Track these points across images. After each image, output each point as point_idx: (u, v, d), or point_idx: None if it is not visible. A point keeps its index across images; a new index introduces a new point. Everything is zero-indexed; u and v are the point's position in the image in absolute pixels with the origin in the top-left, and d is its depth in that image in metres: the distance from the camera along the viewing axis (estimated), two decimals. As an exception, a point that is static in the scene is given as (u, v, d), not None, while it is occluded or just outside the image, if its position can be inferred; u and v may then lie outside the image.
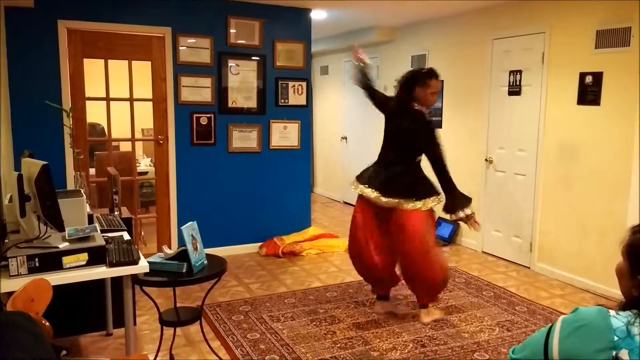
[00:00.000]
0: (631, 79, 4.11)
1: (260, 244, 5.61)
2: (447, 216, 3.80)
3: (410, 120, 3.74)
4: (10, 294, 2.01)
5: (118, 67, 5.00)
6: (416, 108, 3.73)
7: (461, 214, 3.68)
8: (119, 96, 5.07)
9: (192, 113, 5.19)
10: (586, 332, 1.22)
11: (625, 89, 4.17)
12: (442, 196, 3.76)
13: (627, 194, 4.19)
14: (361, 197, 3.86)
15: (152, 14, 4.94)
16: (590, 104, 4.44)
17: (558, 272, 4.82)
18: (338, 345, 3.45)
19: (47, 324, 2.03)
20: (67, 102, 4.63)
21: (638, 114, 4.09)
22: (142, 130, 6.69)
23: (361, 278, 4.20)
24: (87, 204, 3.16)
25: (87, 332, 3.58)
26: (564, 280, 4.74)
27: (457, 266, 5.19)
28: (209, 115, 5.25)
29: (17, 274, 2.22)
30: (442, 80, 6.09)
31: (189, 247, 2.80)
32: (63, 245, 2.36)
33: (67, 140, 4.47)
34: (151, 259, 2.78)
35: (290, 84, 5.61)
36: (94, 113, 5.41)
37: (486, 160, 5.57)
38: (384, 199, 3.70)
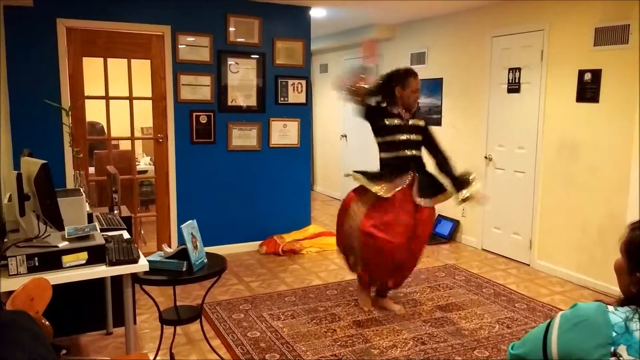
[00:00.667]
0: (630, 76, 4.11)
1: (260, 242, 5.62)
2: (458, 196, 3.78)
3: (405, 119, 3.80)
4: (10, 293, 2.01)
5: (117, 65, 5.00)
6: (396, 112, 3.76)
7: (472, 189, 3.74)
8: (118, 95, 5.07)
9: (192, 111, 5.19)
10: (585, 327, 1.23)
11: (624, 86, 4.17)
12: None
13: (626, 190, 4.19)
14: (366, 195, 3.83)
15: (152, 12, 4.94)
16: (589, 101, 4.44)
17: (558, 269, 4.82)
18: (338, 343, 3.45)
19: (47, 323, 2.03)
20: (66, 101, 4.63)
21: (637, 111, 4.10)
22: (142, 128, 6.68)
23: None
24: (87, 203, 3.16)
25: (87, 331, 3.59)
26: (564, 277, 4.75)
27: (457, 263, 5.19)
28: (208, 114, 5.25)
29: (16, 273, 2.22)
30: (441, 78, 6.10)
31: (189, 245, 2.80)
32: (63, 245, 2.36)
33: (67, 139, 4.47)
34: (151, 258, 2.78)
35: (290, 82, 5.61)
36: (94, 112, 5.41)
37: (486, 157, 5.57)
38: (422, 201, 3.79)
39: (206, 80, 5.21)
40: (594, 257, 4.46)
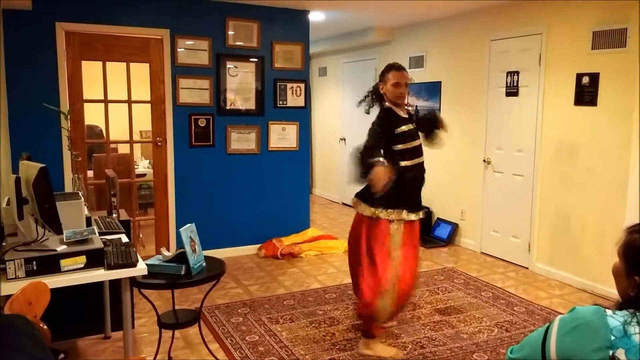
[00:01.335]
0: (628, 80, 4.12)
1: (259, 245, 5.61)
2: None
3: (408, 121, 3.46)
4: (8, 297, 2.00)
5: (116, 69, 5.00)
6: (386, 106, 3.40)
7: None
8: (117, 98, 5.07)
9: (191, 115, 5.19)
10: (583, 331, 1.23)
11: (622, 89, 4.18)
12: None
13: (624, 193, 4.20)
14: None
15: (150, 15, 4.95)
16: (587, 104, 4.45)
17: (556, 272, 4.83)
18: (337, 347, 3.45)
19: (45, 327, 2.03)
20: (65, 105, 4.63)
21: (635, 114, 4.10)
22: (141, 132, 6.69)
23: None
24: (85, 207, 3.15)
25: (86, 335, 3.58)
26: (562, 280, 4.75)
27: (456, 267, 5.19)
28: (207, 117, 5.25)
29: (14, 277, 2.21)
30: (440, 81, 6.10)
31: (188, 249, 2.80)
32: (61, 248, 2.35)
33: (65, 142, 4.47)
34: (149, 261, 2.78)
35: (289, 85, 5.62)
36: (92, 115, 5.41)
37: (484, 161, 5.58)
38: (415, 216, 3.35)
39: (205, 83, 5.21)
40: (593, 260, 4.46)
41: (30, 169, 2.45)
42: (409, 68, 6.30)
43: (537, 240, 5.04)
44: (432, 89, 6.22)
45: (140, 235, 5.70)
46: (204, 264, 2.93)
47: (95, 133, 6.52)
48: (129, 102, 5.04)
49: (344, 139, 8.18)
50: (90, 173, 5.39)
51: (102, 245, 2.45)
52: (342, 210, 7.88)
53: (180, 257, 2.81)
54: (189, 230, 2.87)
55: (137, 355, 3.26)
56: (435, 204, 6.22)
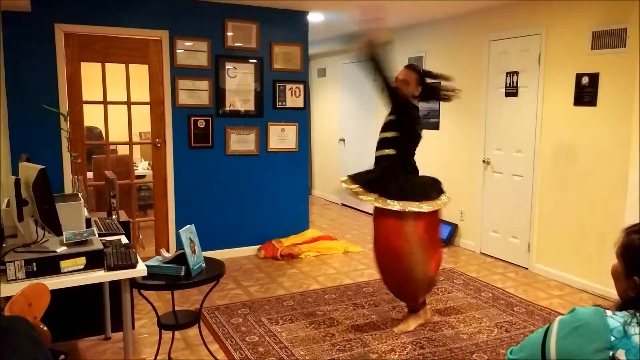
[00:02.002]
0: (627, 80, 4.13)
1: (258, 246, 5.61)
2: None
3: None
4: (8, 298, 2.00)
5: (115, 70, 5.00)
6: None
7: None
8: (116, 99, 5.07)
9: (190, 116, 5.19)
10: (583, 332, 1.23)
11: (622, 89, 4.18)
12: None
13: (624, 194, 4.20)
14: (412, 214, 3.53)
15: (149, 17, 4.95)
16: (587, 104, 4.45)
17: (556, 272, 4.83)
18: (337, 348, 3.45)
19: (45, 328, 2.03)
20: (64, 106, 4.62)
21: (634, 115, 4.11)
22: (140, 133, 6.69)
23: (361, 280, 4.11)
24: (85, 208, 3.15)
25: (86, 336, 3.58)
26: (562, 280, 4.75)
27: (456, 267, 5.19)
28: (206, 118, 5.25)
29: (14, 278, 2.21)
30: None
31: (187, 250, 2.80)
32: (61, 250, 2.35)
33: (65, 144, 4.47)
34: (149, 263, 2.78)
35: (288, 86, 5.62)
36: (92, 117, 5.41)
37: (483, 161, 5.58)
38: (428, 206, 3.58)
39: (204, 84, 5.21)
40: (592, 260, 4.47)
41: (29, 170, 2.46)
42: (408, 69, 6.30)
43: (536, 241, 5.04)
44: (432, 90, 6.21)
45: (140, 237, 5.70)
46: (204, 265, 2.94)
47: (95, 134, 6.52)
48: (128, 103, 5.04)
49: (343, 140, 8.19)
50: (89, 174, 5.39)
51: (101, 247, 2.45)
52: (341, 211, 7.89)
53: (180, 258, 2.81)
54: (188, 232, 2.87)
55: (137, 356, 3.26)
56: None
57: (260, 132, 5.52)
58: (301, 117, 5.77)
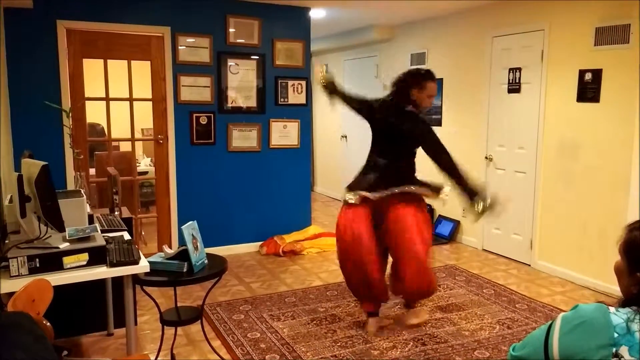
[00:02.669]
0: (631, 76, 4.11)
1: (260, 243, 5.62)
2: (474, 208, 3.54)
3: (404, 118, 3.62)
4: (11, 294, 2.01)
5: (117, 67, 5.00)
6: (408, 109, 3.62)
7: (487, 202, 3.53)
8: (118, 96, 5.07)
9: (192, 112, 5.19)
10: (586, 329, 1.23)
11: (625, 86, 4.17)
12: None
13: (627, 190, 4.19)
14: (355, 206, 3.70)
15: (151, 13, 4.94)
16: (590, 101, 4.44)
17: (558, 269, 4.82)
18: (338, 344, 3.45)
19: (48, 324, 2.04)
20: (66, 103, 4.63)
21: (637, 111, 4.10)
22: (142, 130, 6.69)
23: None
24: (87, 204, 3.16)
25: (88, 332, 3.59)
26: (565, 277, 4.75)
27: (458, 264, 5.19)
28: (208, 115, 5.25)
29: (17, 274, 2.22)
30: (442, 79, 6.09)
31: (190, 246, 2.80)
32: (63, 246, 2.36)
33: (67, 140, 4.47)
34: (152, 259, 2.78)
35: (290, 82, 5.61)
36: (94, 113, 5.41)
37: (486, 158, 5.57)
38: (376, 194, 3.59)
39: (206, 81, 5.21)
40: (595, 257, 4.46)
41: (32, 166, 2.46)
42: (411, 65, 6.30)
43: (539, 238, 5.03)
44: (434, 86, 6.20)
45: (142, 233, 5.71)
46: (206, 261, 2.94)
47: (97, 131, 6.52)
48: (130, 100, 5.04)
49: (345, 137, 8.18)
50: (92, 171, 5.39)
51: (104, 243, 2.45)
52: (343, 207, 7.87)
53: (182, 255, 2.81)
54: (190, 228, 2.87)
55: (140, 352, 3.26)
56: (437, 202, 6.20)
57: (262, 129, 5.52)
58: (303, 114, 5.76)
